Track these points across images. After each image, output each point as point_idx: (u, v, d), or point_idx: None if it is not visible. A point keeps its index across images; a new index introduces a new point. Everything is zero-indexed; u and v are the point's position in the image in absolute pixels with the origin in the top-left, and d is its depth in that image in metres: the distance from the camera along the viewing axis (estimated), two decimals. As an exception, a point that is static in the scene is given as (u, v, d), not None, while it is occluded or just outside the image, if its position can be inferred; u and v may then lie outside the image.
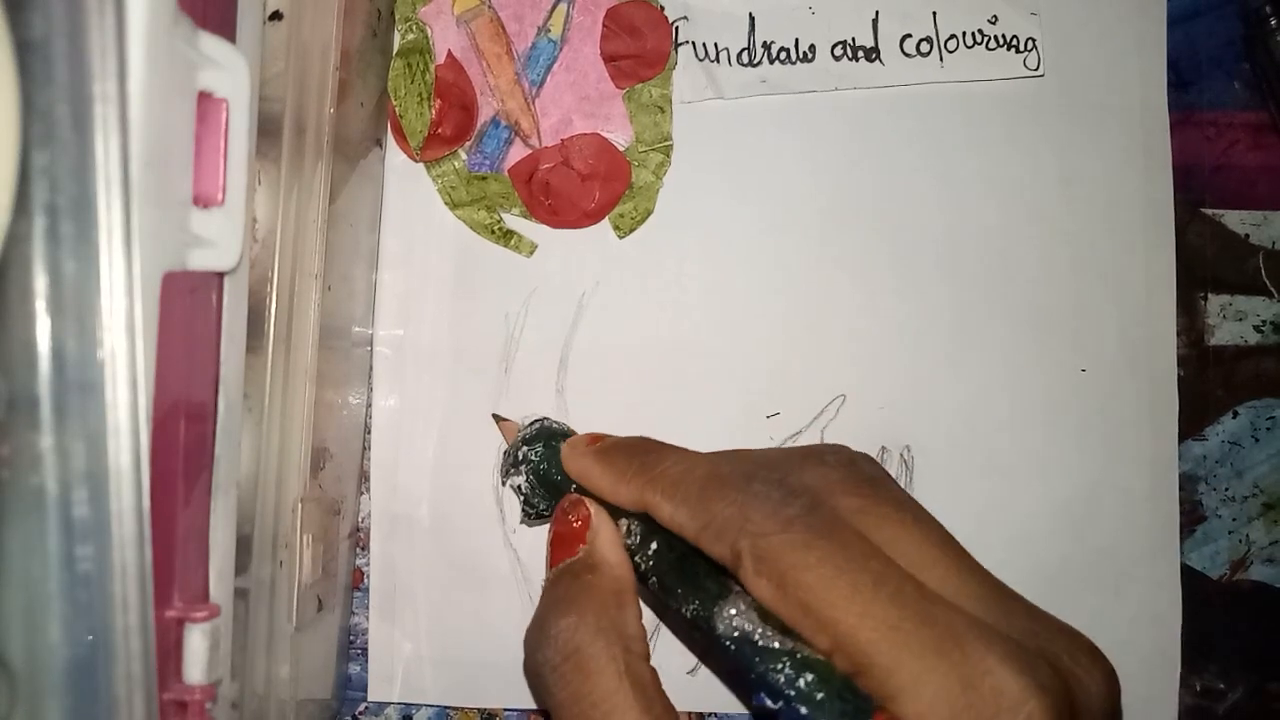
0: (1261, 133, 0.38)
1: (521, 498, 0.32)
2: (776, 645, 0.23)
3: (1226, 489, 0.38)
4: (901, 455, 0.37)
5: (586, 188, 0.37)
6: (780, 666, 0.23)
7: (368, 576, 0.37)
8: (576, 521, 0.28)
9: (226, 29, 0.24)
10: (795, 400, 0.37)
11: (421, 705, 0.37)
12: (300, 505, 0.30)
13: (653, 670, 0.26)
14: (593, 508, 0.28)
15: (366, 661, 0.36)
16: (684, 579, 0.26)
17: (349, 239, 0.35)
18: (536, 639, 0.26)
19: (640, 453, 0.28)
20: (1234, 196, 0.38)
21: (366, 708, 0.37)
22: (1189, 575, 0.37)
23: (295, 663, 0.31)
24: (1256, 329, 0.38)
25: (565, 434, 0.33)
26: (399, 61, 0.37)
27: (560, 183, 0.37)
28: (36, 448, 0.18)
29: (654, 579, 0.27)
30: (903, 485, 0.37)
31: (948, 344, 0.37)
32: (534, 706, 0.36)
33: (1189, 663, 0.37)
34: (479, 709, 0.37)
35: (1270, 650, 0.37)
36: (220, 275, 0.24)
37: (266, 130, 0.27)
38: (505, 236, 0.37)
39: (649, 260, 0.37)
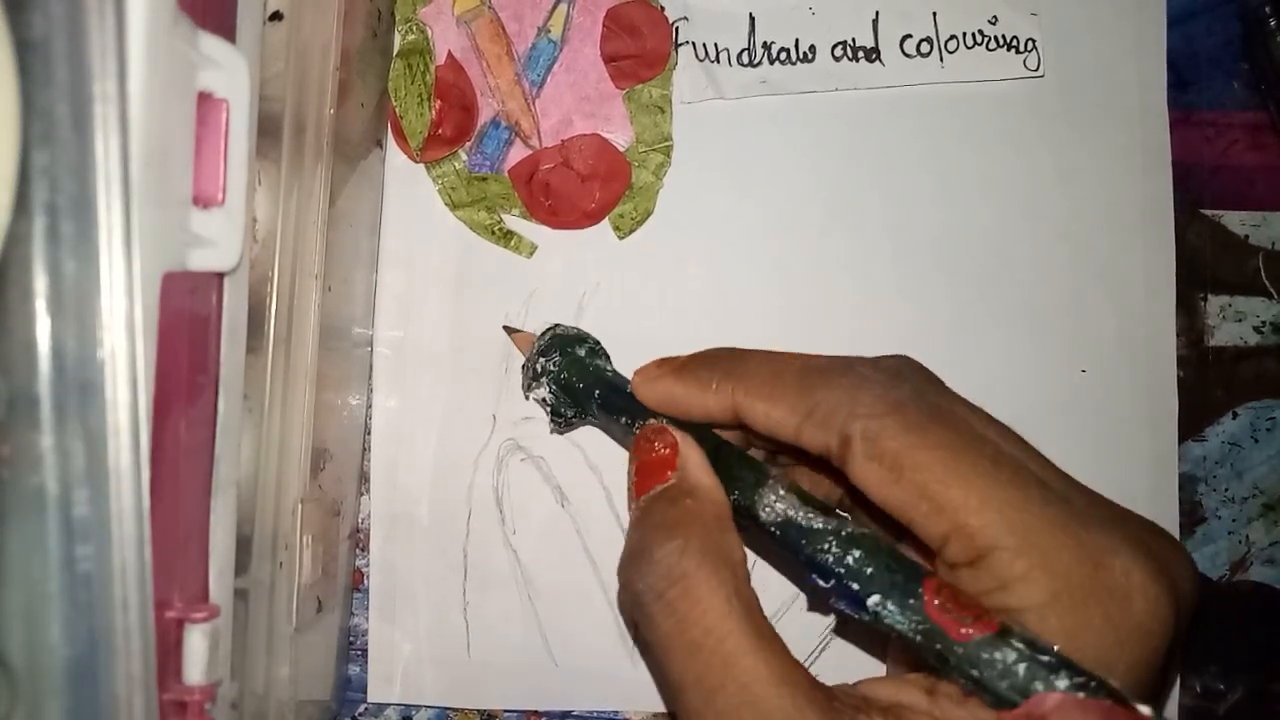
0: (1260, 133, 0.38)
1: (548, 409, 0.32)
2: (820, 525, 0.23)
3: (1226, 490, 0.38)
4: (901, 455, 0.37)
5: (586, 188, 0.37)
6: (826, 546, 0.23)
7: (368, 577, 0.37)
8: (664, 448, 0.27)
9: (226, 29, 0.24)
10: (795, 400, 0.37)
11: (421, 706, 0.37)
12: (300, 506, 0.30)
13: (755, 595, 0.24)
14: (677, 434, 0.27)
15: (366, 662, 0.36)
16: (720, 470, 0.26)
17: (349, 239, 0.35)
18: (635, 568, 0.25)
19: (724, 360, 0.27)
20: (1233, 197, 0.38)
21: (366, 708, 0.37)
22: (1189, 575, 0.37)
23: (295, 663, 0.31)
24: (1256, 330, 0.38)
25: (579, 338, 0.33)
26: (399, 62, 0.37)
27: (560, 183, 0.37)
28: (36, 448, 0.18)
29: None
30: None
31: (947, 344, 0.37)
32: (533, 707, 0.36)
33: (1189, 663, 0.37)
34: (479, 709, 0.37)
35: (1270, 650, 0.37)
36: (220, 275, 0.24)
37: (266, 130, 0.27)
38: (505, 237, 0.37)
39: (649, 260, 0.37)
